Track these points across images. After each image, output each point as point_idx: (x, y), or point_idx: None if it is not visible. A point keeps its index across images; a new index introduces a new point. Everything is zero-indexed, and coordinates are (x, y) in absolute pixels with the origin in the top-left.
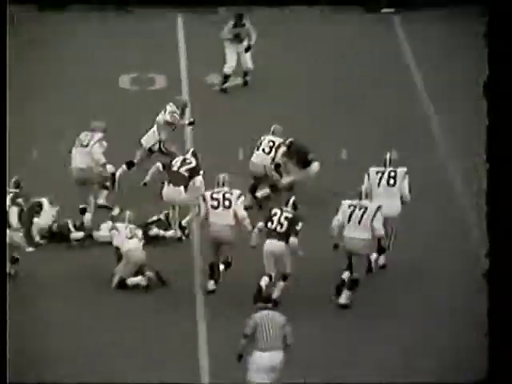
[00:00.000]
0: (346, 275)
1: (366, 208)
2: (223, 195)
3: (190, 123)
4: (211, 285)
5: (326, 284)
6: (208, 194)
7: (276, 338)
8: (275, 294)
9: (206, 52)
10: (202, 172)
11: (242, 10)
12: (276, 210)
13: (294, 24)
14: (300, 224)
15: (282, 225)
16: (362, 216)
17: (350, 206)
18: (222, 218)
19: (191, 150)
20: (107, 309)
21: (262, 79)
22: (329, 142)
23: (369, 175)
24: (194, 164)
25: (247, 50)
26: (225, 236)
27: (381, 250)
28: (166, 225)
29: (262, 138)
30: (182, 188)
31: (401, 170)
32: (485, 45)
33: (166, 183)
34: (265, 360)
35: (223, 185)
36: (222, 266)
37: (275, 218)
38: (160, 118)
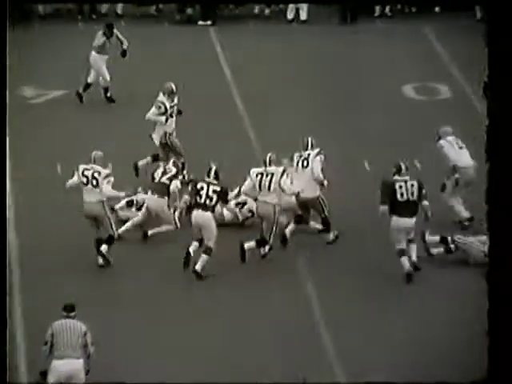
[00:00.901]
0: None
1: (273, 174)
2: (92, 174)
3: (179, 112)
4: (100, 260)
5: None
6: (81, 168)
7: (73, 346)
8: (198, 266)
9: (22, 65)
10: (180, 177)
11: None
12: (202, 184)
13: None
14: (229, 192)
15: (211, 198)
16: (270, 181)
17: (257, 175)
18: (91, 195)
19: (172, 160)
20: None
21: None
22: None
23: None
24: (174, 171)
25: (124, 55)
26: (95, 211)
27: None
28: None
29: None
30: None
31: (314, 152)
32: (485, 45)
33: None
34: (61, 368)
35: (94, 162)
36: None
37: (203, 192)
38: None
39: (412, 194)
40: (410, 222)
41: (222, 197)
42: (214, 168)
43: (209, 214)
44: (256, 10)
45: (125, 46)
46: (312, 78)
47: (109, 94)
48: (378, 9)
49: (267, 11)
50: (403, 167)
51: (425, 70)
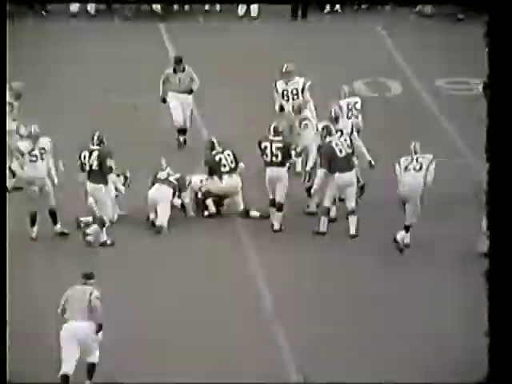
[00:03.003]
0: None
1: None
2: (39, 151)
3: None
4: (32, 231)
5: None
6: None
7: (81, 309)
8: (276, 226)
9: None
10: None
11: None
12: (265, 144)
13: None
14: (291, 148)
15: (276, 155)
16: None
17: None
18: (39, 171)
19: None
20: None
21: None
22: None
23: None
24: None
25: (190, 93)
26: (42, 185)
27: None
28: None
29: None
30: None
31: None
32: (485, 45)
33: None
34: (69, 330)
35: (37, 138)
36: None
37: (268, 151)
38: None
39: (348, 146)
40: (350, 175)
41: (285, 152)
42: (273, 125)
43: (282, 169)
44: (206, 6)
45: (194, 87)
46: (262, 73)
47: (181, 139)
48: (328, 6)
49: (218, 7)
50: (332, 129)
51: (375, 65)
